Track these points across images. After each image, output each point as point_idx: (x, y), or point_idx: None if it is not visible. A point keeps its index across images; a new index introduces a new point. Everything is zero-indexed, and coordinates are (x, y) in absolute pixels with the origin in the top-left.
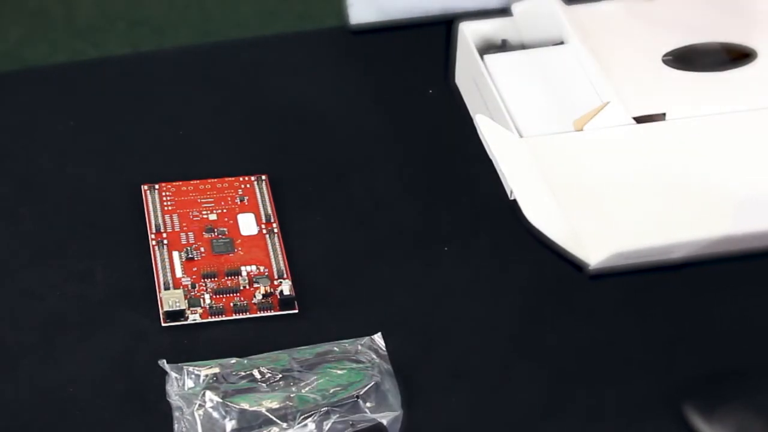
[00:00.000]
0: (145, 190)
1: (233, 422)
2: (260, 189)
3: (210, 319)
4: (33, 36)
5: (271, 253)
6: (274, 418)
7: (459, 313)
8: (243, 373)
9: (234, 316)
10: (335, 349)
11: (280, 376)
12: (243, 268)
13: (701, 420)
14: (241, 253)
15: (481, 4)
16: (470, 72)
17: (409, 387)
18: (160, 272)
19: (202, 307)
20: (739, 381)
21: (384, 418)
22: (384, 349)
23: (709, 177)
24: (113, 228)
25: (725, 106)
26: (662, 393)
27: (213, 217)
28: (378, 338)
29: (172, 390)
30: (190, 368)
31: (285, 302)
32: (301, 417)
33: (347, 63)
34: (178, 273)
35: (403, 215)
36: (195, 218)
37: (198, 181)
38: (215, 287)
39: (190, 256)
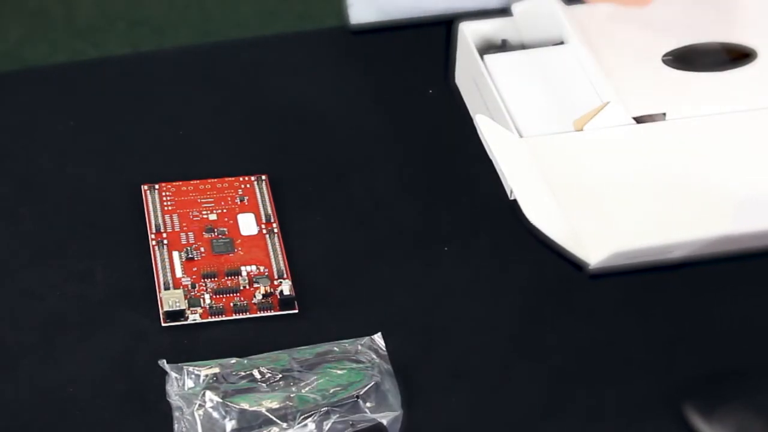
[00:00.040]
0: (145, 190)
1: (233, 422)
2: (260, 189)
3: (210, 319)
4: (33, 36)
5: (271, 253)
6: (274, 418)
7: (459, 313)
8: (243, 373)
9: (234, 316)
10: (335, 349)
11: (280, 376)
12: (243, 268)
13: (701, 420)
14: (241, 253)
15: (481, 4)
16: (470, 72)
17: (409, 387)
18: (160, 272)
19: (202, 307)
20: (739, 381)
21: (384, 418)
22: (384, 349)
23: (709, 177)
24: (113, 228)
25: (725, 106)
26: (662, 393)
27: (213, 217)
28: (378, 338)
29: (172, 390)
30: (190, 368)
31: (285, 302)
32: (301, 417)
33: (347, 63)
34: (178, 273)
35: (403, 215)
36: (195, 218)
37: (198, 181)
38: (215, 287)
39: (190, 256)
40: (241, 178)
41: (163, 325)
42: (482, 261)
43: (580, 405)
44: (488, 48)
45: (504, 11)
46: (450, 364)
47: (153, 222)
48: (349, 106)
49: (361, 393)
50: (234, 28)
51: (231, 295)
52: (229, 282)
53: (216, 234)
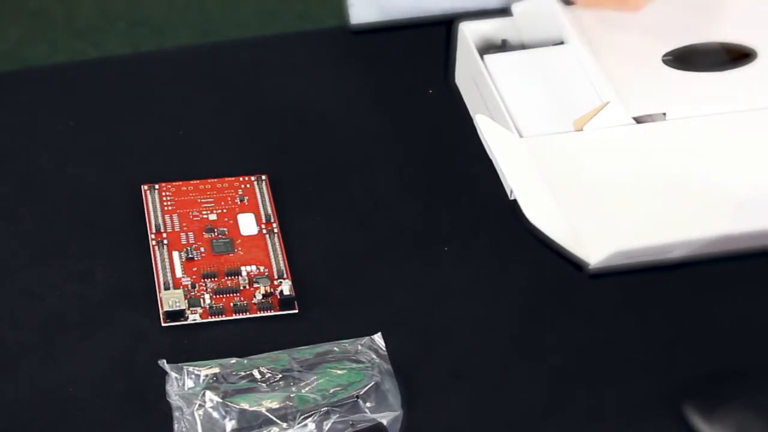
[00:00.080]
0: (145, 190)
1: (233, 422)
2: (260, 189)
3: (210, 319)
4: (33, 36)
5: (271, 253)
6: (274, 418)
7: (459, 313)
8: (243, 373)
9: (234, 316)
10: (335, 349)
11: (280, 376)
12: (243, 268)
13: (701, 420)
14: (241, 253)
15: (481, 4)
16: (470, 72)
17: (409, 387)
18: (160, 272)
19: (202, 307)
20: (739, 381)
21: (384, 418)
22: (384, 349)
23: (709, 177)
24: (113, 228)
25: (725, 106)
26: (662, 393)
27: (213, 217)
28: (378, 338)
29: (172, 390)
30: (190, 368)
31: (285, 302)
32: (301, 417)
33: (347, 63)
34: (178, 273)
35: (403, 215)
36: (195, 218)
37: (198, 181)
38: (215, 287)
39: (190, 256)
40: (241, 178)
41: (163, 325)
42: (482, 261)
43: (580, 405)
44: (488, 48)
45: (504, 11)
46: (450, 364)
47: (153, 222)
48: (349, 106)
49: (361, 393)
50: (234, 28)
51: (231, 295)
52: (229, 282)
53: (216, 234)
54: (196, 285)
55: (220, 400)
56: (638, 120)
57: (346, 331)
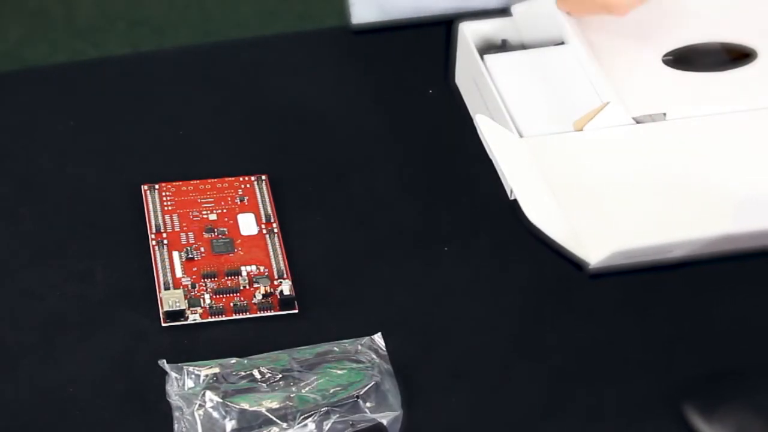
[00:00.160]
0: (145, 190)
1: (233, 422)
2: (260, 189)
3: (210, 319)
4: (33, 36)
5: (271, 253)
6: (274, 418)
7: (459, 313)
8: (243, 373)
9: (234, 316)
10: (335, 349)
11: (280, 376)
12: (243, 268)
13: (701, 420)
14: (241, 253)
15: (481, 4)
16: (470, 72)
17: (409, 387)
18: (160, 272)
19: (202, 307)
20: (739, 381)
21: (384, 418)
22: (384, 349)
23: (709, 177)
24: (113, 228)
25: (725, 106)
26: (662, 393)
27: (213, 217)
28: (378, 338)
29: (172, 390)
30: (190, 368)
31: (285, 302)
32: (301, 417)
33: (347, 63)
34: (178, 273)
35: (403, 215)
36: (195, 218)
37: (198, 181)
38: (215, 287)
39: (190, 256)
40: (241, 178)
41: (163, 325)
42: (482, 261)
43: (580, 405)
44: (488, 48)
45: (504, 11)
46: (450, 364)
47: (153, 222)
48: (349, 106)
49: (361, 393)
50: (234, 28)
51: (231, 295)
52: (229, 282)
53: (216, 234)
54: (196, 285)
55: (220, 400)
56: (638, 120)
57: (346, 331)
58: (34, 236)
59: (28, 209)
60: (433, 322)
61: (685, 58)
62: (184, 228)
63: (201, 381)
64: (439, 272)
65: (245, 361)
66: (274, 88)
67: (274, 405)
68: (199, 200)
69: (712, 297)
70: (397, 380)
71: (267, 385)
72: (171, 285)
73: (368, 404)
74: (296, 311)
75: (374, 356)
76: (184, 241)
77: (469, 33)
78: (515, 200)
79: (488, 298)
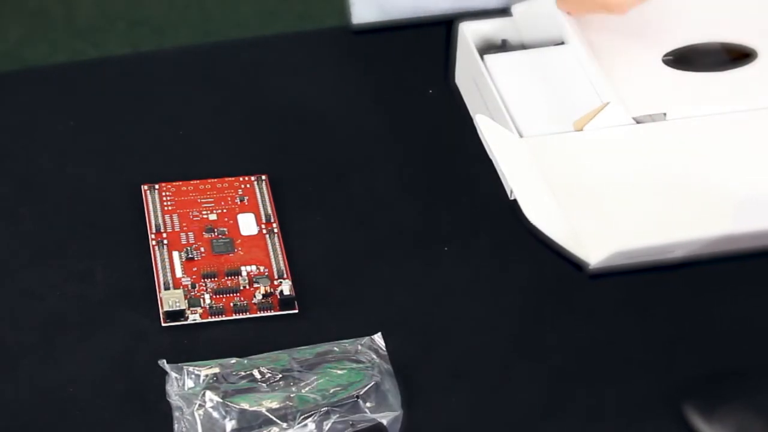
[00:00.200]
0: (145, 190)
1: (233, 422)
2: (260, 189)
3: (210, 319)
4: (33, 36)
5: (271, 253)
6: (274, 418)
7: (459, 313)
8: (243, 373)
9: (234, 316)
10: (335, 349)
11: (280, 376)
12: (243, 268)
13: (701, 420)
14: (241, 253)
15: (481, 4)
16: (470, 72)
17: (409, 387)
18: (160, 272)
19: (202, 307)
20: (739, 381)
21: (384, 418)
22: (384, 349)
23: (709, 177)
24: (113, 228)
25: (725, 106)
26: (662, 393)
27: (213, 217)
28: (378, 338)
29: (172, 390)
30: (190, 368)
31: (285, 302)
32: (301, 417)
33: (347, 63)
34: (178, 273)
35: (403, 215)
36: (195, 218)
37: (198, 181)
38: (215, 287)
39: (190, 256)
40: (241, 178)
41: (163, 325)
42: (482, 261)
43: (580, 405)
44: (488, 48)
45: (504, 11)
46: (450, 364)
47: (153, 222)
48: (349, 106)
49: (361, 393)
50: (234, 28)
51: (231, 295)
52: (229, 282)
53: (216, 234)
54: (196, 285)
55: (220, 400)
56: (638, 120)
57: (346, 331)
58: (34, 236)
59: (28, 209)
60: (433, 322)
61: (685, 58)
62: (184, 228)
63: (201, 381)
64: (439, 272)
65: (245, 361)
66: (274, 88)
67: (274, 405)
68: (199, 200)
69: (713, 297)
70: (397, 380)
71: (267, 385)
72: (171, 285)
73: (368, 404)
74: (296, 311)
75: (374, 356)
76: (184, 241)
77: (469, 33)
78: (515, 200)
79: (488, 298)
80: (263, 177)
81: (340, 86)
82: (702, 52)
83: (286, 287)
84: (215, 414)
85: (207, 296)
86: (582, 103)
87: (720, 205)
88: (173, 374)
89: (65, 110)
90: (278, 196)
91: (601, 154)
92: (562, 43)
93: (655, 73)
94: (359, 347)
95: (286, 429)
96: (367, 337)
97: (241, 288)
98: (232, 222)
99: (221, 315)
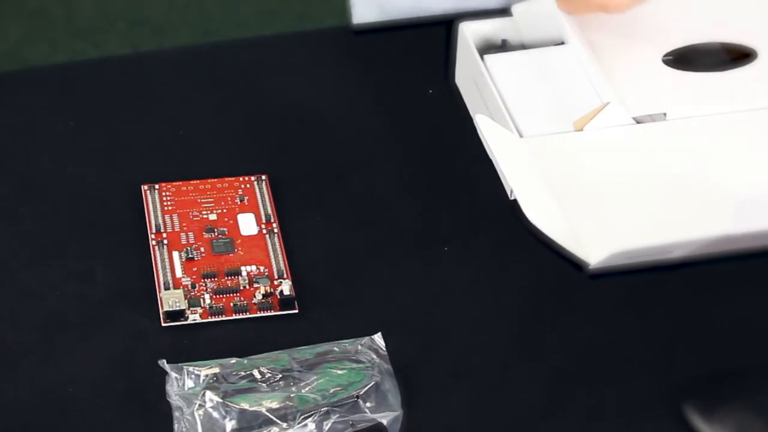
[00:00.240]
0: (145, 190)
1: (233, 422)
2: (260, 189)
3: (210, 319)
4: (33, 36)
5: (271, 253)
6: (274, 418)
7: (459, 313)
8: (243, 373)
9: (234, 316)
10: (335, 349)
11: (280, 376)
12: (243, 268)
13: (701, 420)
14: (241, 253)
15: (481, 4)
16: (470, 72)
17: (409, 387)
18: (160, 272)
19: (202, 307)
20: (739, 381)
21: (384, 418)
22: (384, 349)
23: (709, 177)
24: (113, 228)
25: (725, 106)
26: (662, 393)
27: (213, 217)
28: (378, 338)
29: (172, 390)
30: (190, 368)
31: (285, 302)
32: (301, 417)
33: (347, 63)
34: (178, 273)
35: (403, 215)
36: (195, 218)
37: (198, 181)
38: (215, 287)
39: (190, 256)
40: (241, 178)
41: (163, 325)
42: (482, 261)
43: (580, 405)
44: (488, 48)
45: (504, 11)
46: (450, 364)
47: (153, 222)
48: (349, 106)
49: (361, 393)
50: (234, 28)
51: (231, 295)
52: (229, 282)
53: (216, 234)
54: (196, 285)
55: (220, 400)
56: (638, 120)
57: (346, 331)
58: (34, 236)
59: (28, 209)
60: (433, 322)
61: (685, 58)
62: (184, 228)
63: (201, 381)
64: (439, 272)
65: (245, 361)
66: (274, 88)
67: (274, 405)
68: (199, 200)
69: (713, 297)
70: (397, 380)
71: (267, 385)
72: (171, 285)
73: (368, 404)
74: (296, 311)
75: (374, 356)
76: (184, 241)
77: (469, 33)
78: (515, 200)
79: (488, 298)
80: (263, 177)
81: (340, 86)
82: (702, 52)
83: (286, 287)
84: (215, 414)
85: (207, 296)
86: (582, 103)
87: (720, 205)
88: (173, 374)
89: (65, 110)
90: (278, 196)
91: (601, 154)
92: (562, 43)
93: (655, 73)
94: (359, 347)
95: (286, 429)
96: (367, 337)
97: (241, 288)
98: (232, 222)
99: (221, 315)
